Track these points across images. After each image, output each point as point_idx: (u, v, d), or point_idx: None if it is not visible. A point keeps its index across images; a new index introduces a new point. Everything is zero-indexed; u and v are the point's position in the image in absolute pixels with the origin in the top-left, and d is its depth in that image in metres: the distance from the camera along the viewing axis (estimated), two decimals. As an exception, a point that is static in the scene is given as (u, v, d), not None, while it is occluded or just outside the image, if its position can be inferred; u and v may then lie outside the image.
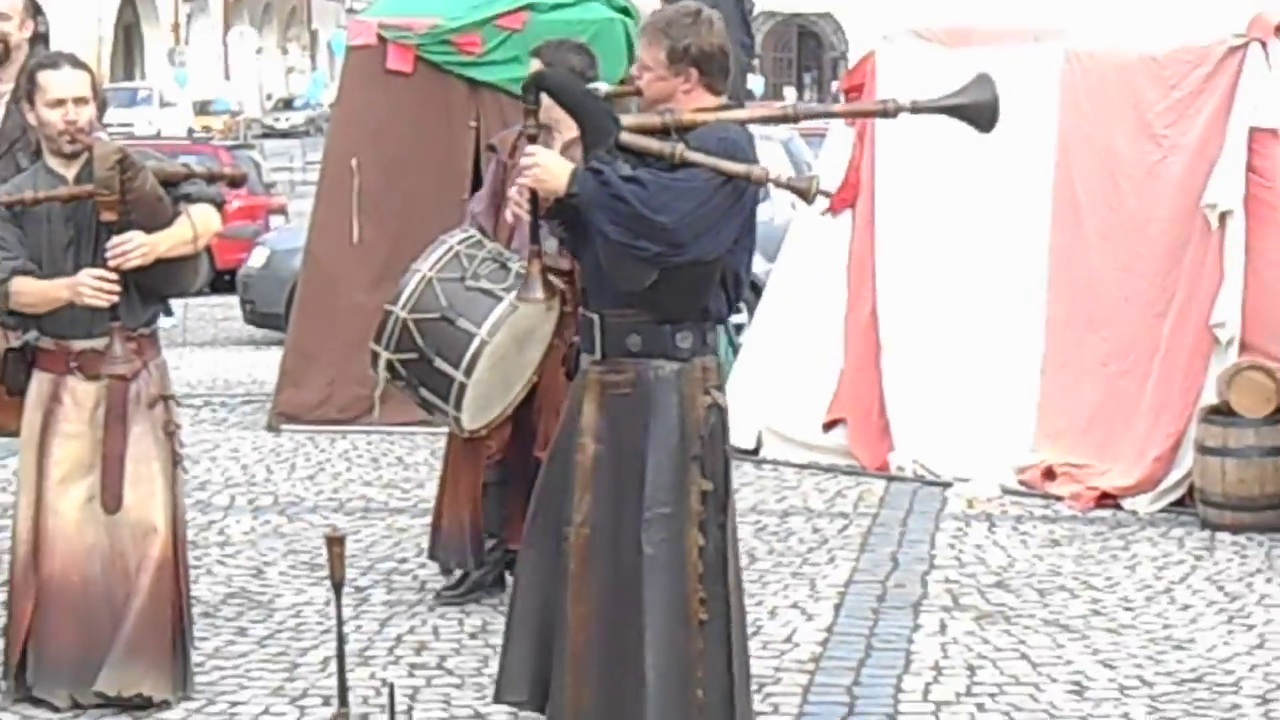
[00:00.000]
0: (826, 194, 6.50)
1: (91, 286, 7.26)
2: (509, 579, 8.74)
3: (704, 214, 6.22)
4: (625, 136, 6.28)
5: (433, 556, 9.16)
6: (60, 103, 7.42)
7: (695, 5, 6.68)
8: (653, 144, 6.28)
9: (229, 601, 9.08)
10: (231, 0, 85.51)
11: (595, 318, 6.50)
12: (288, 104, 78.82)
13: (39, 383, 7.55)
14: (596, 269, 6.47)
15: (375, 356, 8.23)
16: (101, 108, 7.88)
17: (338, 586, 6.79)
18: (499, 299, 8.02)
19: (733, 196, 6.28)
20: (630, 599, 6.36)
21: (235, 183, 8.40)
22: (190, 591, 7.82)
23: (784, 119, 7.15)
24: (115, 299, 7.30)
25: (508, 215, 7.62)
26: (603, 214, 6.19)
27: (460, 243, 8.22)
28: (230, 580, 9.49)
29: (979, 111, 6.49)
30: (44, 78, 7.49)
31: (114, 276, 7.28)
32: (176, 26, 79.78)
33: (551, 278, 6.79)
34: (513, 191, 6.66)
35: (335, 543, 6.76)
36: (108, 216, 7.29)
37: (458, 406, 8.14)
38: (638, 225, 6.16)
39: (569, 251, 6.75)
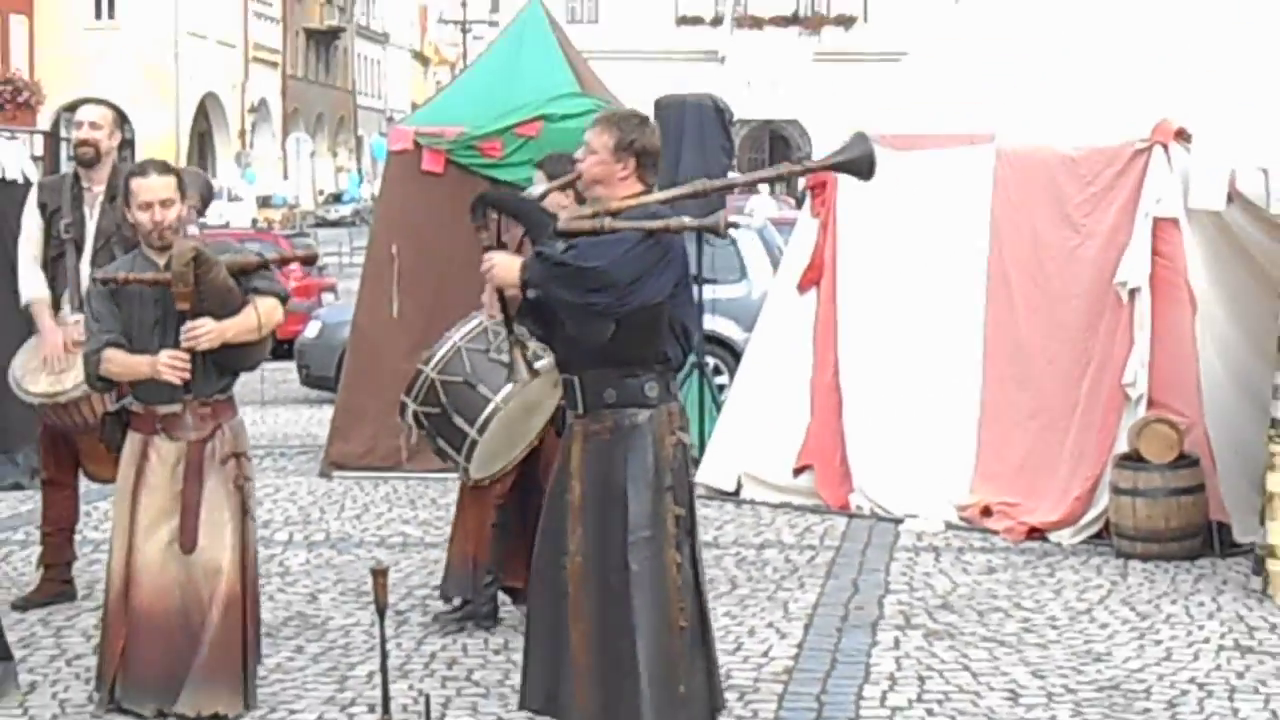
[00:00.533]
0: (733, 225, 6.59)
1: (167, 365, 7.30)
2: (508, 611, 8.82)
3: (634, 259, 6.32)
4: (561, 225, 6.43)
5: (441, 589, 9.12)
6: (149, 205, 7.48)
7: (643, 114, 6.98)
8: (584, 224, 6.42)
9: (288, 624, 9.05)
10: (290, 111, 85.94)
11: (575, 379, 6.60)
12: (336, 198, 79.14)
13: (132, 441, 7.58)
14: (567, 339, 6.56)
15: (404, 407, 8.28)
16: (206, 201, 7.84)
17: (381, 611, 6.81)
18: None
19: (660, 249, 6.39)
20: (621, 613, 6.41)
21: (309, 261, 8.42)
22: (258, 618, 7.80)
23: (694, 195, 7.07)
24: (188, 376, 7.33)
25: (483, 318, 7.56)
26: (554, 283, 6.32)
27: (489, 319, 8.20)
28: (289, 605, 9.46)
29: (859, 164, 6.63)
30: (135, 184, 7.54)
31: (186, 357, 7.31)
32: (243, 133, 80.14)
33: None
34: (484, 297, 6.75)
35: (379, 574, 6.78)
36: (181, 305, 7.32)
37: (467, 459, 8.17)
38: (581, 280, 6.29)
39: (542, 340, 6.81)
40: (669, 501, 6.47)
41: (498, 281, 6.50)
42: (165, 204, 7.49)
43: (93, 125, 9.39)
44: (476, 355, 8.11)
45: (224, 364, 7.56)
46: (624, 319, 6.35)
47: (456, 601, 8.97)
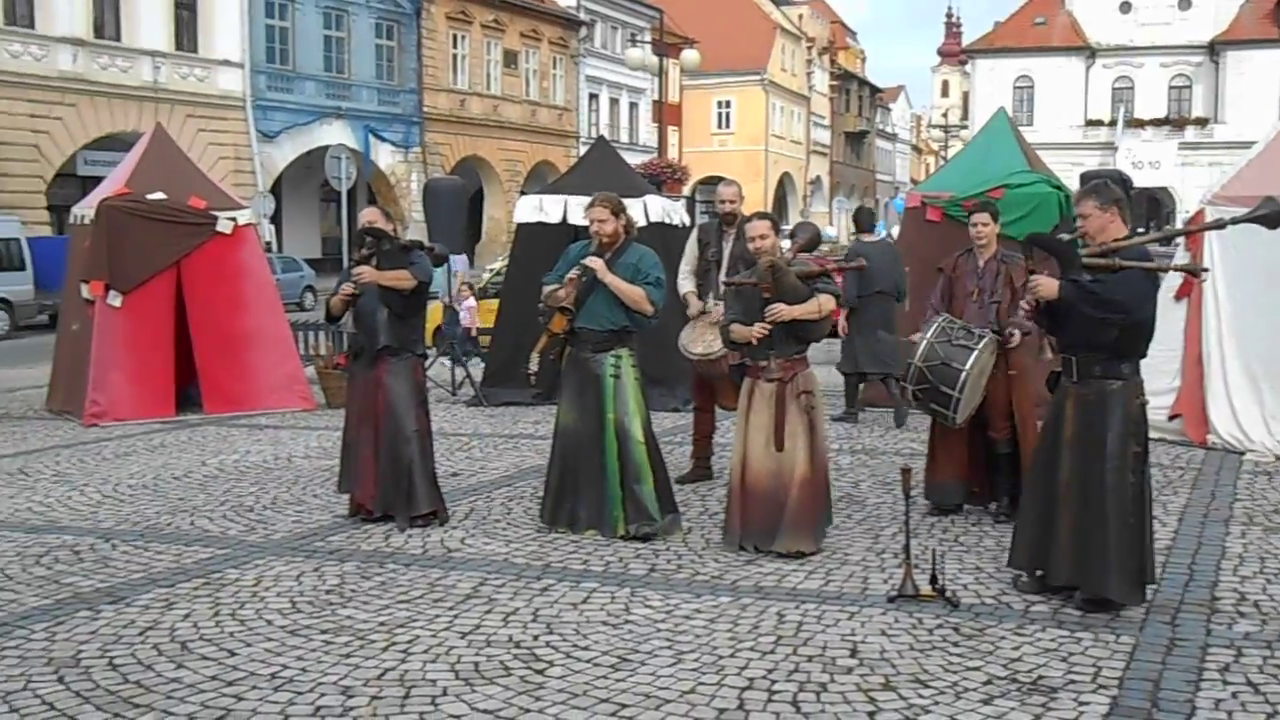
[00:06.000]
0: (1206, 270, 6.36)
1: (757, 332, 7.42)
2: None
3: (1140, 293, 6.11)
4: (1085, 260, 6.17)
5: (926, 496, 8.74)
6: (753, 238, 7.59)
7: (1104, 176, 6.72)
8: (1100, 262, 6.14)
9: (840, 501, 8.92)
10: (834, 184, 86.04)
11: (1073, 359, 6.35)
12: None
13: (747, 382, 7.64)
14: (1070, 332, 6.30)
15: (903, 389, 8.13)
16: (815, 241, 7.89)
17: (906, 494, 6.70)
18: (971, 350, 7.91)
19: (1151, 279, 6.14)
20: (1098, 512, 6.22)
21: (860, 270, 8.38)
22: (827, 494, 7.75)
23: (1160, 238, 6.81)
24: (764, 336, 7.42)
25: (941, 321, 7.17)
26: (1084, 303, 6.08)
27: (944, 320, 8.15)
28: (840, 489, 9.33)
29: (1271, 219, 6.16)
30: (747, 227, 7.74)
31: (768, 328, 7.40)
32: (805, 198, 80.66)
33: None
34: (1023, 304, 6.51)
35: (906, 472, 6.68)
36: (765, 295, 7.41)
37: (955, 411, 7.99)
38: (1105, 306, 6.04)
39: (1050, 332, 6.52)
40: (1131, 442, 6.23)
41: (1041, 294, 6.22)
42: (763, 236, 7.58)
43: (729, 201, 9.55)
44: (942, 345, 7.98)
45: (799, 335, 7.55)
46: (1124, 328, 6.17)
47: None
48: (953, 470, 8.49)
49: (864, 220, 13.85)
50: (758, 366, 7.59)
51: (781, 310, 7.40)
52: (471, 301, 19.33)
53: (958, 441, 8.42)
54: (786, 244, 8.10)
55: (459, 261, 19.59)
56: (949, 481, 8.51)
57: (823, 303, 7.49)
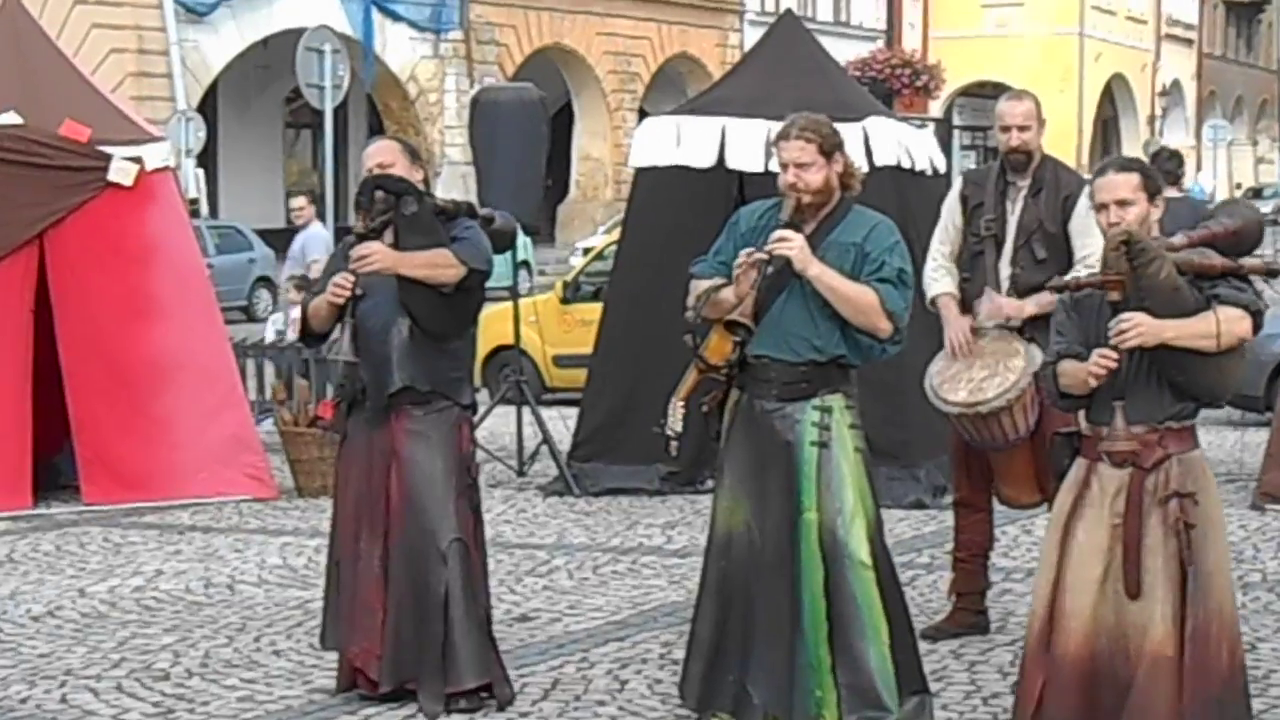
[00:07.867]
0: None
1: (1095, 367, 7.05)
2: None
3: None
4: None
5: None
6: (1104, 206, 7.27)
7: None
8: None
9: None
10: (1205, 95, 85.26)
11: None
12: (1256, 193, 77.86)
13: (1076, 467, 7.38)
14: None
15: None
16: (1254, 234, 7.64)
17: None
18: None
19: None
20: None
21: (1272, 274, 7.95)
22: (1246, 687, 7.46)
23: None
24: (1104, 377, 7.05)
25: None
26: None
27: None
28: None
29: None
30: (1096, 184, 7.39)
31: (1115, 357, 7.01)
32: (1152, 119, 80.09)
33: None
34: None
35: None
36: (1111, 297, 7.08)
37: None
38: None
39: None
40: None
41: None
42: (1124, 202, 7.28)
43: (1020, 129, 9.47)
44: None
45: (1180, 381, 7.24)
46: None
47: None
48: None
49: (1165, 167, 14.32)
50: (1098, 435, 7.38)
51: (1142, 325, 7.16)
52: (295, 313, 18.25)
53: None
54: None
55: (312, 240, 19.02)
56: None
57: (1227, 321, 7.14)
